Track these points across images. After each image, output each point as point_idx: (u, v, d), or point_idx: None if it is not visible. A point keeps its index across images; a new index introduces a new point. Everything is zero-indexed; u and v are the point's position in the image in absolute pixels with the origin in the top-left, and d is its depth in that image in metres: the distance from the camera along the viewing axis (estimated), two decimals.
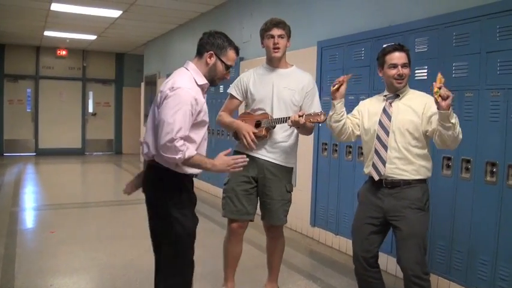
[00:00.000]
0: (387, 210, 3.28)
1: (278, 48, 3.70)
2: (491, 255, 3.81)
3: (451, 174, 4.11)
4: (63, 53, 15.53)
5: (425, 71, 4.37)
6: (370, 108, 3.47)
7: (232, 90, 3.91)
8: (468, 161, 3.98)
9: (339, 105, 3.46)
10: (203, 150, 3.01)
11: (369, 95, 4.83)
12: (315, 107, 3.81)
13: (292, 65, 3.91)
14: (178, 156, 2.72)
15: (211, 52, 2.95)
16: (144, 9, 9.44)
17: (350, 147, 5.31)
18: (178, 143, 2.71)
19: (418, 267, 3.15)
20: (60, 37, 13.16)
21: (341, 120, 3.46)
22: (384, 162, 3.28)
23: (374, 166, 3.33)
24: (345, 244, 5.45)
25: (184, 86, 2.80)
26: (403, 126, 3.23)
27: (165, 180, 2.89)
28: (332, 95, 3.46)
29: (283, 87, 3.74)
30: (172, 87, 2.79)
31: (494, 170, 3.78)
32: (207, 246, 5.19)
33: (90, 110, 16.43)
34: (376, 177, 3.31)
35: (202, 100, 2.89)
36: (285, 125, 3.62)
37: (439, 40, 4.26)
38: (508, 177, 3.68)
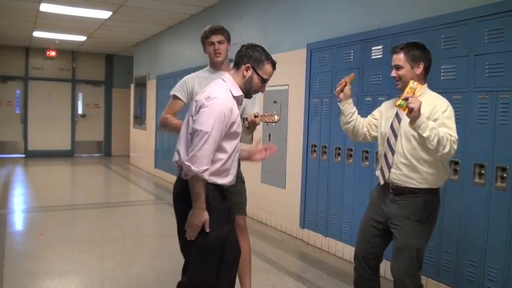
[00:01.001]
0: (389, 217, 3.24)
1: (219, 53, 3.84)
2: (479, 256, 3.83)
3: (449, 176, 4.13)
4: (53, 54, 15.43)
5: None
6: (387, 113, 3.40)
7: (177, 92, 3.91)
8: (456, 163, 4.00)
9: (345, 106, 3.45)
10: (235, 160, 2.99)
11: (358, 98, 4.86)
12: (256, 108, 3.90)
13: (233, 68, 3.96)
14: (197, 168, 2.70)
15: (249, 65, 2.96)
16: (134, 11, 9.42)
17: (339, 149, 5.33)
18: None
19: (409, 279, 3.14)
20: (49, 38, 13.07)
21: (350, 121, 3.47)
22: (389, 167, 3.23)
23: (381, 170, 3.31)
24: (334, 246, 5.46)
25: (220, 97, 2.80)
26: (409, 130, 3.11)
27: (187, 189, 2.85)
28: (338, 96, 3.47)
29: None
30: (209, 97, 2.79)
31: (483, 171, 3.81)
32: None
33: (80, 111, 16.34)
34: (382, 182, 3.29)
35: (236, 111, 2.89)
36: None
37: (427, 43, 4.20)
38: (496, 179, 3.71)
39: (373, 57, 4.86)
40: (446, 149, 2.97)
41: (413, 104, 2.85)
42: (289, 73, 6.27)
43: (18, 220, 7.23)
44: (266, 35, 7.03)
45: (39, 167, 13.59)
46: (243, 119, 3.62)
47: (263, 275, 4.81)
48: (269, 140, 6.75)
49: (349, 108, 3.45)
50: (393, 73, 3.26)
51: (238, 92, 2.97)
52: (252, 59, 2.96)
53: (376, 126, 3.48)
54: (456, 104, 3.98)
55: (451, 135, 3.01)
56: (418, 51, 3.21)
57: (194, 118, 2.83)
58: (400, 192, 3.20)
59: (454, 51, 4.05)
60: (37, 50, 15.27)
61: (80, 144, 16.30)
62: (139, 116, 13.57)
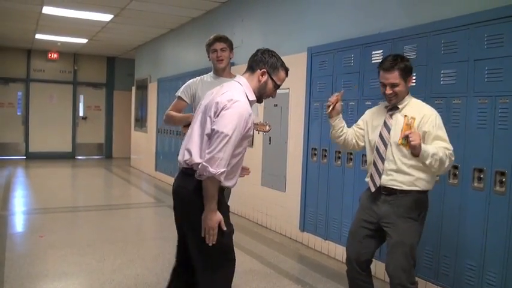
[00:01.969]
0: (381, 216, 3.32)
1: (222, 60, 4.16)
2: (478, 261, 3.84)
3: (439, 180, 4.14)
4: (54, 56, 15.46)
5: (414, 77, 4.38)
6: (373, 122, 3.50)
7: (182, 93, 4.18)
8: (456, 167, 4.01)
9: (336, 122, 3.57)
10: (241, 163, 3.01)
11: (358, 102, 4.88)
12: (255, 114, 3.99)
13: (236, 75, 4.07)
14: (214, 170, 2.68)
15: (264, 70, 2.97)
16: (136, 14, 9.44)
17: (339, 152, 5.34)
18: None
19: (404, 275, 3.20)
20: (51, 40, 13.12)
21: (341, 135, 3.60)
22: (380, 174, 3.32)
23: (371, 177, 3.39)
24: (334, 249, 5.47)
25: (242, 100, 2.83)
26: (398, 138, 3.26)
27: (200, 189, 2.81)
28: (328, 114, 3.60)
29: None
30: (231, 100, 2.78)
31: (482, 176, 3.82)
32: None
33: (81, 113, 16.36)
34: (373, 189, 3.36)
35: (252, 115, 2.91)
36: None
37: (427, 47, 4.31)
38: (495, 183, 3.72)
39: (373, 61, 4.87)
40: (446, 165, 3.22)
41: (415, 141, 3.08)
42: (290, 77, 6.12)
43: (18, 222, 7.25)
44: (267, 39, 7.05)
45: (40, 168, 13.61)
46: None
47: (263, 278, 4.83)
48: (269, 144, 6.77)
49: (339, 123, 3.58)
50: (388, 91, 3.29)
51: (253, 97, 2.98)
52: (268, 65, 2.98)
53: (363, 136, 3.60)
54: (455, 109, 4.02)
55: (447, 149, 3.18)
56: (408, 63, 3.32)
57: (214, 119, 2.80)
58: (392, 193, 3.29)
59: (454, 56, 4.07)
60: (39, 52, 15.31)
61: (81, 146, 16.32)
62: (140, 119, 13.59)
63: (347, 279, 3.60)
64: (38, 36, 12.47)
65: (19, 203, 8.61)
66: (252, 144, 7.17)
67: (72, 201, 9.26)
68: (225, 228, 2.84)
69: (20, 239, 6.16)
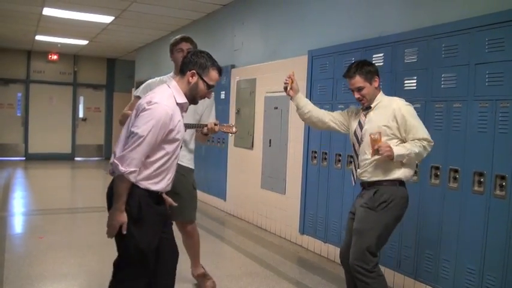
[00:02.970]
0: (356, 206, 3.57)
1: None
2: (478, 264, 3.84)
3: (439, 183, 4.15)
4: (55, 57, 15.47)
5: (415, 81, 4.41)
6: (352, 122, 3.70)
7: (140, 93, 4.15)
8: (456, 171, 4.01)
9: (298, 100, 3.81)
10: (171, 167, 2.97)
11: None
12: (212, 117, 4.29)
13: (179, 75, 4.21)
14: (124, 169, 2.71)
15: (194, 71, 2.97)
16: (136, 16, 9.46)
17: (339, 155, 5.34)
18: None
19: (359, 262, 3.37)
20: (51, 42, 13.12)
21: (307, 112, 3.79)
22: (356, 169, 3.58)
23: (352, 173, 3.69)
24: (334, 252, 5.47)
25: (161, 102, 2.80)
26: (369, 132, 3.41)
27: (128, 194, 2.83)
28: (288, 94, 3.84)
29: None
30: (150, 102, 2.80)
31: (482, 179, 3.82)
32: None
33: (81, 115, 16.36)
34: (352, 183, 3.67)
35: (177, 118, 2.89)
36: (190, 131, 4.07)
37: (428, 51, 4.31)
38: (495, 187, 3.72)
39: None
40: (425, 155, 3.43)
41: (386, 152, 3.27)
42: None
43: (18, 223, 7.25)
44: (267, 42, 7.06)
45: (40, 170, 13.61)
46: (202, 126, 3.94)
47: (262, 280, 4.83)
48: (269, 146, 6.77)
49: (301, 101, 3.82)
50: (356, 95, 3.54)
51: (183, 99, 2.97)
52: (197, 65, 2.98)
53: (340, 122, 3.79)
54: (456, 113, 4.02)
55: (423, 139, 3.37)
56: (369, 67, 3.54)
57: (133, 121, 2.82)
58: (369, 185, 3.50)
59: (454, 60, 4.07)
60: (39, 54, 15.31)
61: (80, 148, 16.32)
62: None
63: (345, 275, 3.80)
64: (38, 37, 12.48)
65: (18, 204, 8.61)
66: (252, 146, 7.18)
67: (71, 202, 9.26)
68: (124, 232, 2.87)
69: (19, 240, 6.16)
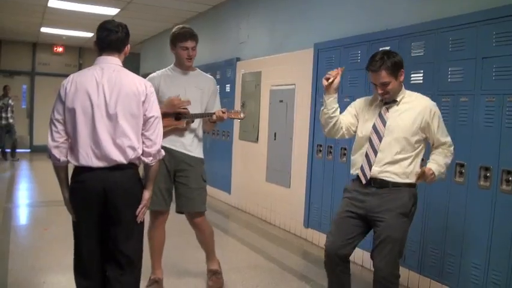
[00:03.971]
0: (370, 209, 3.24)
1: (191, 59, 4.16)
2: (483, 259, 3.83)
3: (445, 178, 4.13)
4: (60, 49, 15.51)
5: (421, 75, 4.39)
6: (365, 115, 3.41)
7: None
8: (462, 165, 4.00)
9: (331, 100, 3.39)
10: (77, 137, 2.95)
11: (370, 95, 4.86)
12: (217, 105, 4.25)
13: (197, 68, 4.36)
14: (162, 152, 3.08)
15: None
16: (142, 8, 9.43)
17: (345, 149, 5.33)
18: None
19: (390, 270, 3.19)
20: (56, 34, 13.13)
21: (333, 117, 3.41)
22: (370, 166, 3.26)
23: (362, 169, 3.31)
24: None
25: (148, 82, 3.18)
26: (397, 131, 3.20)
27: None
28: (325, 90, 3.36)
29: (194, 87, 4.16)
30: (147, 86, 3.09)
31: (488, 174, 3.80)
32: None
33: None
34: (364, 181, 3.28)
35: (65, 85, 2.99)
36: (197, 120, 4.11)
37: (435, 45, 4.28)
38: (502, 182, 3.70)
39: None
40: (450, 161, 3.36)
41: (431, 181, 3.21)
42: (296, 73, 6.28)
43: (23, 214, 7.28)
44: (273, 35, 7.04)
45: (45, 161, 13.54)
46: (210, 114, 4.01)
47: (267, 273, 4.83)
48: (274, 139, 6.76)
49: (333, 102, 3.40)
50: (380, 90, 3.22)
51: None
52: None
53: (355, 126, 3.49)
54: (463, 107, 4.00)
55: (449, 145, 3.31)
56: (395, 58, 3.20)
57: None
58: (384, 185, 3.23)
59: (461, 53, 4.04)
60: (44, 46, 15.33)
61: None
62: None
63: (325, 271, 3.58)
64: (44, 29, 12.47)
65: (23, 195, 8.64)
66: (257, 139, 7.17)
67: None
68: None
69: (24, 232, 6.17)
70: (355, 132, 3.50)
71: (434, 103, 3.30)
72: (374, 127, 3.30)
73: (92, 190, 2.92)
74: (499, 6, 3.75)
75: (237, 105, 7.77)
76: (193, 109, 4.05)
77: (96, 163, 2.88)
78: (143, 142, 2.96)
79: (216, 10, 9.02)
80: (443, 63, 4.19)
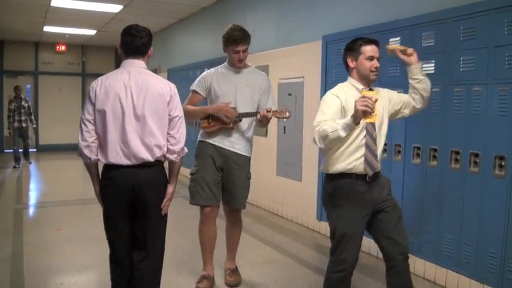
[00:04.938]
0: (376, 202, 3.20)
1: (241, 60, 4.13)
2: (500, 248, 3.83)
3: (460, 167, 4.12)
4: (63, 48, 15.49)
5: (433, 65, 4.36)
6: (348, 105, 3.11)
7: (196, 87, 4.23)
8: (476, 155, 3.98)
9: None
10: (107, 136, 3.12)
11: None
12: (270, 103, 4.20)
13: (250, 65, 4.31)
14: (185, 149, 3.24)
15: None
16: (145, 4, 9.41)
17: None
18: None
19: (408, 244, 3.27)
20: (59, 32, 13.10)
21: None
22: (375, 157, 3.15)
23: (367, 162, 3.13)
24: None
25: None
26: (381, 118, 3.26)
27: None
28: (360, 118, 2.89)
29: (245, 85, 4.15)
30: (171, 87, 3.25)
31: (503, 163, 3.79)
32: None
33: None
34: (371, 173, 3.14)
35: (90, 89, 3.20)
36: (248, 119, 4.12)
37: (446, 34, 4.26)
38: None
39: None
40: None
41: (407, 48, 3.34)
42: (305, 65, 6.26)
43: (34, 215, 7.31)
44: (280, 27, 7.00)
45: (52, 161, 13.66)
46: (255, 114, 4.00)
47: (283, 267, 4.85)
48: (284, 133, 6.75)
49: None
50: (377, 63, 3.23)
51: None
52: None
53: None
54: (476, 96, 3.98)
55: None
56: None
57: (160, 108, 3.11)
58: (376, 175, 3.23)
59: (473, 42, 4.01)
60: (47, 45, 15.32)
61: None
62: None
63: (340, 283, 3.30)
64: (46, 28, 12.45)
65: (33, 196, 8.67)
66: (266, 133, 7.16)
67: (85, 193, 9.25)
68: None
69: (37, 233, 6.16)
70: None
71: None
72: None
73: (121, 186, 3.07)
74: None
75: None
76: (243, 107, 4.08)
77: (125, 161, 3.04)
78: (168, 140, 3.13)
79: (220, 4, 8.98)
80: (455, 53, 4.16)
